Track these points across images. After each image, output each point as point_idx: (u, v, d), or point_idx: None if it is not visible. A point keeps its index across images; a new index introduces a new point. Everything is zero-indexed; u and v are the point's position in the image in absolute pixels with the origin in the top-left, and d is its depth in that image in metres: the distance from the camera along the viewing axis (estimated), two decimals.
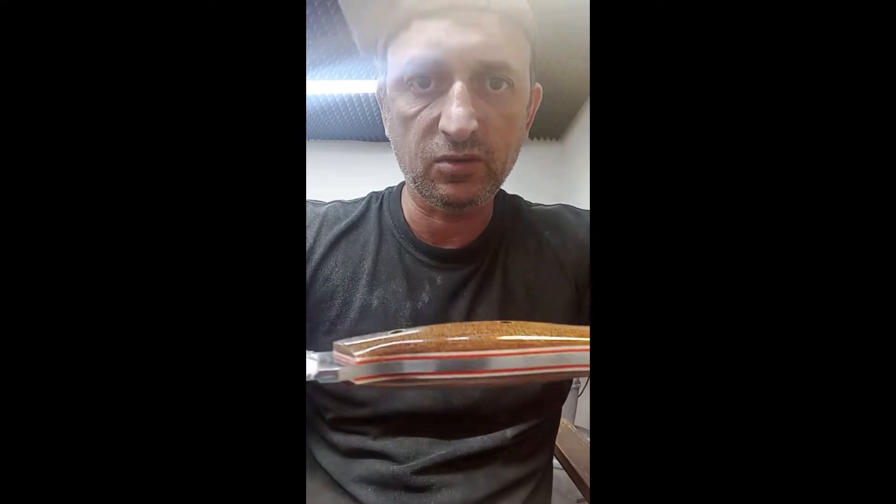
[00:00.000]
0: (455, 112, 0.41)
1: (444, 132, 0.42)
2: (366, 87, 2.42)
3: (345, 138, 3.14)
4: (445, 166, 0.44)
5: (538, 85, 0.52)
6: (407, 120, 0.45)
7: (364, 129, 2.95)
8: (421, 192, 0.47)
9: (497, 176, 0.47)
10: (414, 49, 0.42)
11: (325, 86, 2.39)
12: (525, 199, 0.61)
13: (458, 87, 0.41)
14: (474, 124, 0.41)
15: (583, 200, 2.56)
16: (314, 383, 0.29)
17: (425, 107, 0.43)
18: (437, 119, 0.42)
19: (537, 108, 0.54)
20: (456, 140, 0.42)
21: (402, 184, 0.57)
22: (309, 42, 2.01)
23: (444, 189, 0.45)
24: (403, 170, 0.48)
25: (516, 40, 0.44)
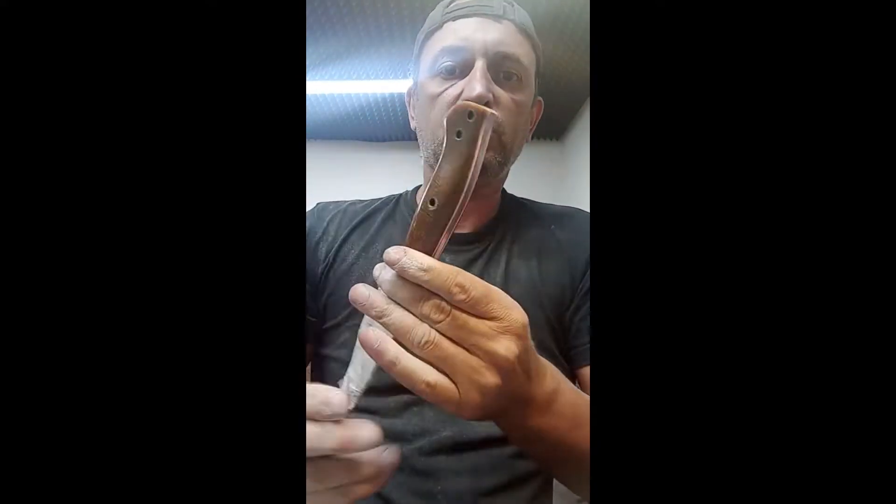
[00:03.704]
0: (477, 83, 0.50)
1: (465, 100, 0.49)
2: (366, 87, 2.42)
3: (345, 139, 3.14)
4: None
5: (540, 98, 0.62)
6: (433, 98, 0.54)
7: (365, 129, 2.96)
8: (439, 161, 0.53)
9: (506, 149, 0.55)
10: (446, 41, 0.53)
11: (325, 86, 2.39)
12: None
13: (480, 64, 0.51)
14: (490, 96, 0.51)
15: (583, 200, 2.55)
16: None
17: (450, 86, 0.53)
18: (459, 95, 0.52)
19: (539, 119, 0.63)
20: None
21: (417, 188, 0.66)
22: (309, 42, 2.01)
23: None
24: (425, 146, 0.57)
25: (525, 46, 0.55)
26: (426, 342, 0.27)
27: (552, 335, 0.55)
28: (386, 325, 0.27)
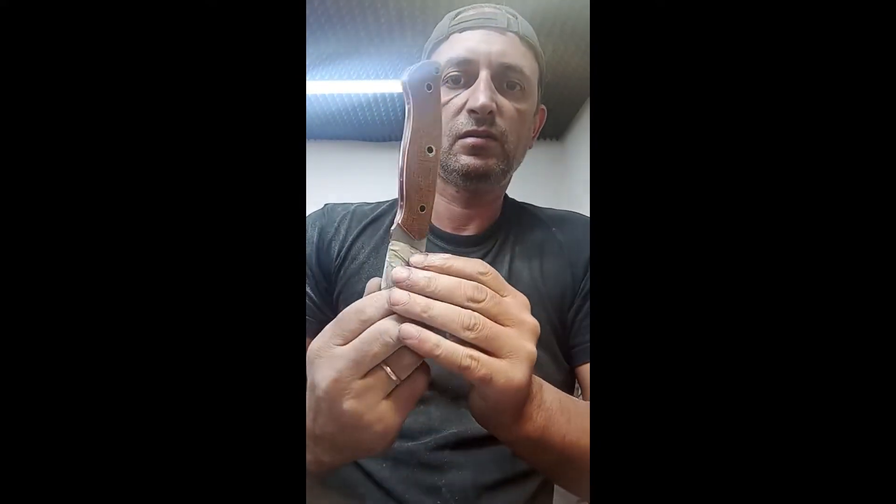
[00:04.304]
0: (481, 93, 0.53)
1: (470, 110, 0.54)
2: (366, 87, 2.42)
3: (345, 139, 3.14)
4: (468, 140, 0.55)
5: (543, 107, 0.64)
6: None
7: (364, 129, 2.96)
8: (444, 168, 0.57)
9: (508, 156, 0.57)
10: (452, 52, 0.56)
11: (325, 86, 2.39)
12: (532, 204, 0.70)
13: (484, 75, 0.54)
14: (494, 105, 0.53)
15: (583, 200, 2.55)
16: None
17: (455, 96, 0.55)
18: (464, 104, 0.54)
19: (542, 125, 0.65)
20: (479, 116, 0.53)
21: None
22: (309, 42, 2.01)
23: (464, 160, 0.55)
24: None
25: (529, 57, 0.57)
26: (474, 324, 0.29)
27: (554, 334, 0.56)
28: (431, 319, 0.29)
